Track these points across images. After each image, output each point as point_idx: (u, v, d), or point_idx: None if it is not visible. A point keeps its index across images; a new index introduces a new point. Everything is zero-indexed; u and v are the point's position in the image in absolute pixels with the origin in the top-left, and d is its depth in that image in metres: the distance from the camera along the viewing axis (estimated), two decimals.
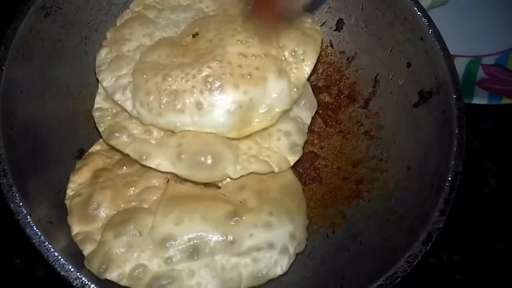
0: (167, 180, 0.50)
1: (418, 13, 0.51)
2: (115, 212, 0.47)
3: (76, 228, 0.46)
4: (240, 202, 0.48)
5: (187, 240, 0.45)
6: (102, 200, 0.47)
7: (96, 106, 0.52)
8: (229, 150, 0.49)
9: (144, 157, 0.48)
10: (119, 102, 0.50)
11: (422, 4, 0.52)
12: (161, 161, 0.48)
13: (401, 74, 0.54)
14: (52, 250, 0.40)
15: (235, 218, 0.47)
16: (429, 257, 0.61)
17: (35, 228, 0.40)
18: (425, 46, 0.51)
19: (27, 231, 0.40)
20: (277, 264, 0.47)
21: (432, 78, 0.51)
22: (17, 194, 0.41)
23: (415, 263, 0.42)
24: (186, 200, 0.47)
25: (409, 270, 0.42)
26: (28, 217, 0.41)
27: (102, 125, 0.50)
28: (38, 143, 0.48)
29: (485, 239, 0.62)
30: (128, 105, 0.50)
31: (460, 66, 0.69)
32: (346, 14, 0.59)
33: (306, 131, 0.54)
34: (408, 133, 0.53)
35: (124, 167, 0.50)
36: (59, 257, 0.40)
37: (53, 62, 0.51)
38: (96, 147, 0.53)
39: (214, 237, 0.45)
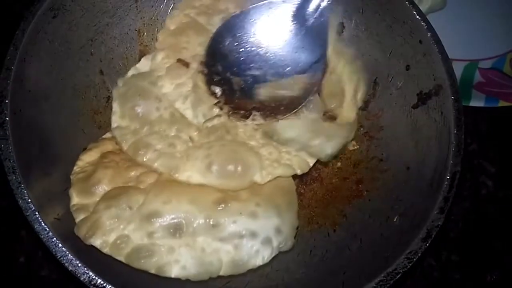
0: None
1: (417, 17, 0.52)
2: (109, 189, 0.49)
3: (75, 200, 0.48)
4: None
5: (171, 218, 0.46)
6: (103, 178, 0.49)
7: (114, 125, 0.53)
8: (255, 157, 0.51)
9: (173, 171, 0.50)
10: (180, 110, 0.52)
11: (420, 8, 0.54)
12: (191, 173, 0.50)
13: (400, 76, 0.55)
14: (60, 245, 0.41)
15: (222, 205, 0.48)
16: (428, 257, 0.62)
17: (43, 224, 0.41)
18: (423, 49, 0.52)
19: (35, 227, 0.41)
20: (258, 254, 0.48)
21: (431, 80, 0.52)
22: (25, 191, 0.42)
23: (415, 259, 0.43)
24: (179, 184, 0.49)
25: (409, 266, 0.43)
26: (37, 213, 0.41)
27: (125, 142, 0.51)
28: (45, 142, 0.49)
29: (483, 239, 0.63)
30: (189, 114, 0.52)
31: (458, 69, 0.70)
32: (347, 18, 0.59)
33: None
34: (407, 134, 0.54)
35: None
36: (67, 252, 0.41)
37: (60, 63, 0.52)
38: (109, 134, 0.54)
39: (198, 219, 0.47)
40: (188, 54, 0.55)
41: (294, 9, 0.54)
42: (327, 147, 0.53)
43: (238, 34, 0.55)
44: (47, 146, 0.48)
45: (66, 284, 0.57)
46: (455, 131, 0.48)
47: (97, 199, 0.48)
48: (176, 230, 0.46)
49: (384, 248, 0.47)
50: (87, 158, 0.51)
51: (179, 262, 0.46)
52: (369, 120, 0.59)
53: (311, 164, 0.54)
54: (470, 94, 0.68)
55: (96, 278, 0.40)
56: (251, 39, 0.55)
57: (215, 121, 0.54)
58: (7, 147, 0.43)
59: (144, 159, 0.50)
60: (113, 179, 0.49)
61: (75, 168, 0.51)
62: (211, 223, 0.47)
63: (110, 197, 0.47)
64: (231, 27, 0.55)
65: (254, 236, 0.48)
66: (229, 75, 0.55)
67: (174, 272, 0.45)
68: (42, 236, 0.41)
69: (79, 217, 0.47)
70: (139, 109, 0.52)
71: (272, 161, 0.52)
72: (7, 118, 0.44)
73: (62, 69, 0.52)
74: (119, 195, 0.47)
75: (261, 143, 0.54)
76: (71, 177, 0.50)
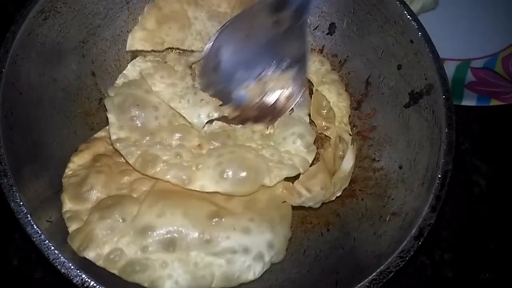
0: None
1: (408, 16, 0.53)
2: (105, 196, 0.48)
3: (67, 206, 0.48)
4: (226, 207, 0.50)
5: (165, 232, 0.46)
6: (95, 183, 0.49)
7: (113, 137, 0.51)
8: (262, 162, 0.52)
9: (186, 181, 0.50)
10: (177, 110, 0.53)
11: (412, 8, 0.54)
12: (203, 182, 0.50)
13: (392, 76, 0.56)
14: (52, 248, 0.41)
15: (216, 219, 0.48)
16: (421, 256, 0.62)
17: (35, 227, 0.41)
18: (414, 49, 0.52)
19: (27, 229, 0.41)
20: (250, 269, 0.48)
21: (422, 80, 0.52)
22: (17, 194, 0.42)
23: (407, 258, 0.43)
24: (173, 195, 0.49)
25: (401, 265, 0.43)
26: (29, 216, 0.41)
27: (130, 156, 0.50)
28: (37, 144, 0.48)
29: (476, 237, 0.64)
30: (187, 114, 0.53)
31: (450, 69, 0.71)
32: (338, 18, 0.60)
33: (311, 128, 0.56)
34: (399, 133, 0.54)
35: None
36: (59, 255, 0.40)
37: (51, 65, 0.52)
38: (101, 133, 0.54)
39: (192, 234, 0.47)
40: (163, 47, 0.57)
41: (272, 13, 0.55)
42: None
43: (226, 49, 0.56)
44: (39, 149, 0.48)
45: (60, 287, 0.57)
46: (446, 130, 0.48)
47: (90, 205, 0.48)
48: (169, 244, 0.46)
49: (377, 247, 0.47)
50: (79, 160, 0.51)
51: (171, 277, 0.45)
52: (361, 119, 0.59)
53: (310, 161, 0.54)
54: (462, 93, 0.69)
55: (89, 280, 0.40)
56: (239, 49, 0.56)
57: (215, 126, 0.54)
58: None
59: (154, 172, 0.50)
60: (106, 184, 0.49)
61: (66, 170, 0.50)
62: (205, 238, 0.47)
63: (104, 207, 0.47)
64: (220, 45, 0.55)
65: (247, 252, 0.48)
66: (222, 88, 0.55)
67: (167, 286, 0.45)
68: (34, 239, 0.41)
69: (72, 227, 0.46)
70: (138, 120, 0.52)
71: (276, 162, 0.53)
72: None
73: (53, 71, 0.52)
74: (112, 205, 0.47)
75: (260, 144, 0.54)
76: (63, 180, 0.50)
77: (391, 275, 0.42)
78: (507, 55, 0.73)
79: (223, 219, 0.48)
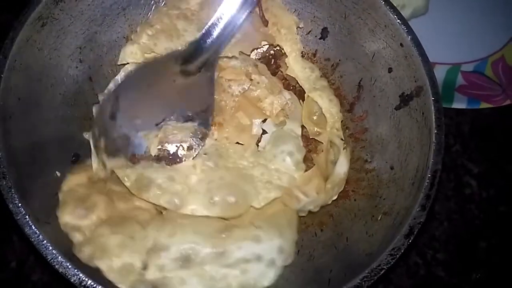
0: (155, 207, 0.52)
1: (397, 21, 0.54)
2: (105, 218, 0.49)
3: (67, 219, 0.48)
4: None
5: (179, 250, 0.47)
6: (98, 203, 0.49)
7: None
8: (250, 184, 0.53)
9: (178, 206, 0.51)
10: None
11: (403, 14, 0.55)
12: (195, 207, 0.51)
13: (383, 79, 0.57)
14: (50, 248, 0.41)
15: (225, 232, 0.49)
16: (414, 256, 0.63)
17: (33, 227, 0.42)
18: (404, 52, 0.54)
19: (26, 230, 0.42)
20: (265, 276, 0.49)
21: (412, 82, 0.53)
22: (15, 196, 0.43)
23: (398, 255, 0.44)
24: (179, 216, 0.51)
25: (392, 263, 0.44)
26: (27, 217, 0.42)
27: (127, 179, 0.52)
28: (35, 148, 0.49)
29: (468, 237, 0.65)
30: None
31: (440, 73, 0.72)
32: (330, 23, 0.61)
33: (302, 144, 0.57)
34: (390, 135, 0.55)
35: (117, 185, 0.53)
36: (57, 255, 0.41)
37: (49, 71, 0.53)
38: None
39: (205, 248, 0.48)
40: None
41: (181, 64, 0.54)
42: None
43: (125, 97, 0.55)
44: (37, 152, 0.49)
45: None
46: (435, 131, 0.49)
47: (89, 222, 0.48)
48: (185, 261, 0.47)
49: (368, 245, 0.48)
50: (76, 179, 0.51)
51: None
52: (354, 122, 0.60)
53: (298, 179, 0.55)
54: (452, 96, 0.70)
55: (86, 279, 0.41)
56: (139, 97, 0.55)
57: (207, 144, 0.56)
58: None
59: (147, 196, 0.51)
60: (108, 206, 0.50)
61: (63, 186, 0.50)
62: (218, 251, 0.48)
63: (114, 223, 0.48)
64: (119, 93, 0.55)
65: (259, 260, 0.49)
66: (118, 136, 0.54)
67: None
68: (32, 239, 0.41)
69: (76, 238, 0.47)
70: None
71: (264, 182, 0.54)
72: None
73: (51, 76, 0.53)
74: (123, 222, 0.49)
75: (251, 162, 0.55)
76: (60, 195, 0.50)
77: (382, 272, 0.43)
78: (497, 59, 0.74)
79: (232, 231, 0.49)
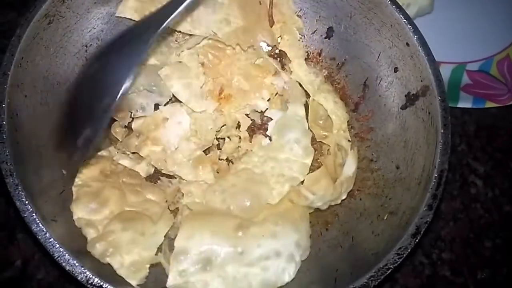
0: (165, 200, 0.53)
1: (404, 20, 0.54)
2: (117, 212, 0.50)
3: (80, 214, 0.48)
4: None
5: (199, 253, 0.47)
6: (111, 197, 0.50)
7: None
8: (263, 184, 0.54)
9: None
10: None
11: (408, 13, 0.55)
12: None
13: (388, 78, 0.57)
14: (57, 245, 0.41)
15: (242, 230, 0.49)
16: (419, 255, 0.63)
17: (40, 225, 0.42)
18: (410, 51, 0.54)
19: (32, 227, 0.42)
20: (285, 271, 0.49)
21: (418, 82, 0.53)
22: (22, 193, 0.43)
23: (405, 255, 0.44)
24: (196, 217, 0.51)
25: (399, 262, 0.44)
26: (34, 214, 0.42)
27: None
28: (41, 145, 0.49)
29: (474, 237, 0.64)
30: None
31: (446, 72, 0.72)
32: (336, 23, 0.61)
33: (307, 126, 0.57)
34: (396, 134, 0.55)
35: (129, 177, 0.54)
36: (64, 252, 0.41)
37: (55, 68, 0.53)
38: (104, 153, 0.55)
39: (224, 249, 0.48)
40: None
41: None
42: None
43: None
44: (42, 150, 0.49)
45: (62, 287, 0.57)
46: (442, 130, 0.49)
47: (102, 217, 0.49)
48: (206, 264, 0.47)
49: (375, 245, 0.48)
50: (88, 172, 0.52)
51: None
52: (359, 121, 0.60)
53: (309, 164, 0.55)
54: (458, 95, 0.70)
55: (93, 277, 0.41)
56: None
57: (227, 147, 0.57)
58: (4, 150, 0.44)
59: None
60: (120, 200, 0.51)
61: (77, 180, 0.51)
62: (238, 251, 0.48)
63: (125, 219, 0.49)
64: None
65: (279, 256, 0.49)
66: None
67: None
68: (39, 237, 0.41)
69: (90, 234, 0.48)
70: None
71: (277, 176, 0.54)
72: (4, 122, 0.45)
73: (57, 74, 0.53)
74: (133, 219, 0.49)
75: (261, 156, 0.56)
76: (74, 189, 0.50)
77: (389, 271, 0.43)
78: (502, 58, 0.74)
79: (249, 229, 0.49)
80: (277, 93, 0.61)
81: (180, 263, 0.47)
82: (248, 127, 0.60)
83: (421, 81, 0.53)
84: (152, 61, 0.58)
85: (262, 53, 0.61)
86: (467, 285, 0.61)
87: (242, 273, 0.48)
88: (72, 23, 0.54)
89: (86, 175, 0.52)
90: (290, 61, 0.62)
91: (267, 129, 0.59)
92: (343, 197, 0.54)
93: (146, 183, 0.55)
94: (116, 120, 0.57)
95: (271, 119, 0.59)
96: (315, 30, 0.63)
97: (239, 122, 0.60)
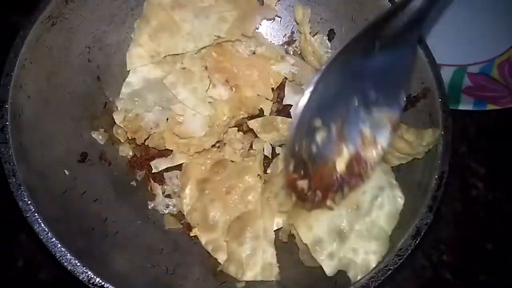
0: (258, 175, 0.56)
1: None
2: (229, 218, 0.55)
3: (204, 238, 0.55)
4: None
5: (328, 232, 0.50)
6: (216, 211, 0.55)
7: None
8: None
9: None
10: None
11: None
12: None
13: None
14: (59, 245, 0.42)
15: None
16: (420, 258, 0.63)
17: (43, 225, 0.42)
18: None
19: (35, 227, 0.42)
20: (395, 197, 0.51)
21: (419, 84, 0.53)
22: (25, 193, 0.43)
23: (405, 256, 0.44)
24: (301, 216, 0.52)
25: (399, 263, 0.44)
26: (36, 214, 0.42)
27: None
28: (44, 146, 0.50)
29: (474, 239, 0.65)
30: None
31: (447, 74, 0.72)
32: (337, 25, 0.61)
33: None
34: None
35: (220, 171, 0.57)
36: (66, 252, 0.42)
37: (58, 69, 0.53)
38: (185, 159, 0.58)
39: (343, 215, 0.50)
40: (160, 57, 0.58)
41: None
42: None
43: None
44: (46, 150, 0.49)
45: (64, 287, 0.58)
46: (443, 132, 0.49)
47: (220, 230, 0.54)
48: (340, 236, 0.50)
49: None
50: (188, 194, 0.57)
51: (368, 253, 0.48)
52: None
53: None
54: (459, 98, 0.70)
55: (95, 277, 0.41)
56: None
57: None
58: (7, 150, 0.44)
59: None
60: (224, 208, 0.55)
61: (185, 207, 0.56)
62: (354, 207, 0.50)
63: (235, 233, 0.53)
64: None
65: (382, 189, 0.51)
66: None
67: (372, 259, 0.48)
68: (41, 237, 0.42)
69: (220, 257, 0.53)
70: None
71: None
72: (7, 123, 0.45)
73: (60, 75, 0.53)
74: (242, 228, 0.53)
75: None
76: (187, 217, 0.56)
77: (389, 272, 0.44)
78: (503, 61, 0.74)
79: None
80: (286, 78, 0.61)
81: (321, 252, 0.49)
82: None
83: (422, 83, 0.53)
84: (159, 73, 0.59)
85: (262, 39, 0.62)
86: None
87: (369, 222, 0.50)
88: (75, 25, 0.55)
89: (188, 197, 0.56)
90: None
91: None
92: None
93: (235, 168, 0.57)
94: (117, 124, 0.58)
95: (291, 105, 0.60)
96: (317, 32, 0.63)
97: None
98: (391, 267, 0.44)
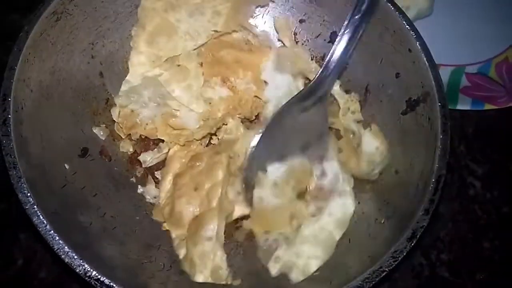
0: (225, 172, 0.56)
1: (406, 26, 0.54)
2: (191, 215, 0.55)
3: (174, 233, 0.55)
4: None
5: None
6: (181, 208, 0.55)
7: None
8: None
9: None
10: None
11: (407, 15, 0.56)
12: None
13: (390, 83, 0.57)
14: (57, 238, 0.42)
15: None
16: (418, 256, 0.63)
17: (41, 217, 0.42)
18: (412, 57, 0.54)
19: (34, 219, 0.42)
20: (346, 204, 0.55)
21: (419, 88, 0.53)
22: (25, 185, 0.43)
23: (400, 258, 0.44)
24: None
25: (394, 265, 0.44)
26: (35, 206, 0.43)
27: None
28: (45, 140, 0.50)
29: (472, 238, 0.65)
30: None
31: (445, 74, 0.73)
32: (339, 27, 0.61)
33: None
34: (396, 139, 0.56)
35: (197, 163, 0.57)
36: (64, 245, 0.42)
37: (61, 65, 0.54)
38: (172, 151, 0.59)
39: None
40: (161, 61, 0.58)
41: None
42: None
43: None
44: (46, 144, 0.50)
45: (64, 286, 0.58)
46: (441, 136, 0.49)
47: (184, 226, 0.54)
48: (286, 241, 0.53)
49: (370, 248, 0.48)
50: (164, 187, 0.58)
51: (310, 257, 0.51)
52: None
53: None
54: (457, 97, 0.70)
55: (91, 270, 0.41)
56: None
57: None
58: (9, 143, 0.45)
59: None
60: (189, 205, 0.55)
61: (161, 201, 0.57)
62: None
63: (192, 233, 0.53)
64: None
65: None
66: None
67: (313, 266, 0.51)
68: (40, 229, 0.42)
69: (180, 254, 0.53)
70: None
71: None
72: (9, 116, 0.46)
73: (63, 70, 0.54)
74: (197, 230, 0.53)
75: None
76: (162, 211, 0.56)
77: (383, 274, 0.44)
78: (500, 61, 0.74)
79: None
80: None
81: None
82: None
83: (422, 87, 0.53)
84: (157, 71, 0.59)
85: (252, 28, 0.62)
86: (465, 286, 0.62)
87: (318, 228, 0.53)
88: (79, 20, 0.55)
89: (164, 191, 0.57)
90: None
91: None
92: (376, 171, 0.55)
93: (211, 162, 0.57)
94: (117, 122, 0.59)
95: None
96: (319, 35, 0.63)
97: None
98: (386, 269, 0.44)
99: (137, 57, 0.58)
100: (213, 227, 0.53)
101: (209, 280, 0.50)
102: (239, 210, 0.56)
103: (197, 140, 0.58)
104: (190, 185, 0.56)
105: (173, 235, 0.54)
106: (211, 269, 0.51)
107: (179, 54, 0.59)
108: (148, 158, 0.59)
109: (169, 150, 0.59)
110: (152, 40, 0.58)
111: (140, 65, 0.58)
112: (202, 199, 0.55)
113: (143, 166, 0.59)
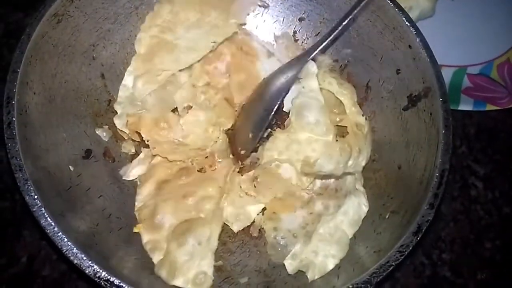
0: (219, 187, 0.55)
1: (406, 23, 0.55)
2: (177, 222, 0.52)
3: (146, 237, 0.52)
4: None
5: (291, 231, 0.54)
6: (166, 212, 0.53)
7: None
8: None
9: None
10: None
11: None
12: None
13: (391, 80, 0.58)
14: (65, 240, 0.42)
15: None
16: (420, 256, 0.64)
17: (49, 219, 0.42)
18: (413, 54, 0.55)
19: (41, 221, 0.42)
20: (360, 204, 0.55)
21: (420, 83, 0.54)
22: (32, 188, 0.43)
23: (406, 252, 0.45)
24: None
25: (401, 259, 0.44)
26: (43, 209, 0.43)
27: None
28: (49, 142, 0.50)
29: (474, 238, 0.65)
30: None
31: (447, 75, 0.73)
32: None
33: (323, 100, 0.56)
34: (398, 135, 0.56)
35: (183, 177, 0.56)
36: (73, 246, 0.42)
37: (63, 67, 0.54)
38: (157, 159, 0.57)
39: (309, 220, 0.54)
40: (166, 75, 0.58)
41: None
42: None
43: None
44: (51, 146, 0.50)
45: (67, 283, 0.58)
46: (443, 131, 0.50)
47: (165, 233, 0.52)
48: (305, 235, 0.52)
49: (377, 243, 0.49)
50: (144, 191, 0.55)
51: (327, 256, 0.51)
52: None
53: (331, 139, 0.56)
54: (459, 98, 0.71)
55: (101, 271, 0.42)
56: None
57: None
58: (14, 145, 0.45)
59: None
60: (175, 210, 0.53)
61: (137, 204, 0.55)
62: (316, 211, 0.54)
63: (179, 234, 0.51)
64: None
65: (348, 197, 0.56)
66: None
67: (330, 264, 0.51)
68: (48, 231, 0.42)
69: (155, 257, 0.50)
70: None
71: (301, 161, 0.54)
72: (14, 118, 0.46)
73: (65, 72, 0.54)
74: (186, 231, 0.51)
75: (282, 140, 0.55)
76: (136, 213, 0.54)
77: (390, 268, 0.44)
78: (502, 62, 0.75)
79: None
80: None
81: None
82: None
83: (423, 83, 0.53)
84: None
85: (235, 26, 0.62)
86: (467, 286, 0.62)
87: (333, 227, 0.53)
88: (80, 22, 0.55)
89: (143, 194, 0.55)
90: None
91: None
92: (363, 164, 0.55)
93: (201, 177, 0.56)
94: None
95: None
96: (319, 32, 0.64)
97: None
98: (393, 263, 0.44)
99: (140, 80, 0.59)
100: (204, 233, 0.52)
101: (188, 286, 0.48)
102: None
103: (169, 161, 0.57)
104: (179, 192, 0.54)
105: (145, 239, 0.52)
106: (194, 274, 0.49)
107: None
108: (129, 170, 0.58)
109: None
110: (149, 59, 0.59)
111: (145, 85, 0.59)
112: (189, 207, 0.53)
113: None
